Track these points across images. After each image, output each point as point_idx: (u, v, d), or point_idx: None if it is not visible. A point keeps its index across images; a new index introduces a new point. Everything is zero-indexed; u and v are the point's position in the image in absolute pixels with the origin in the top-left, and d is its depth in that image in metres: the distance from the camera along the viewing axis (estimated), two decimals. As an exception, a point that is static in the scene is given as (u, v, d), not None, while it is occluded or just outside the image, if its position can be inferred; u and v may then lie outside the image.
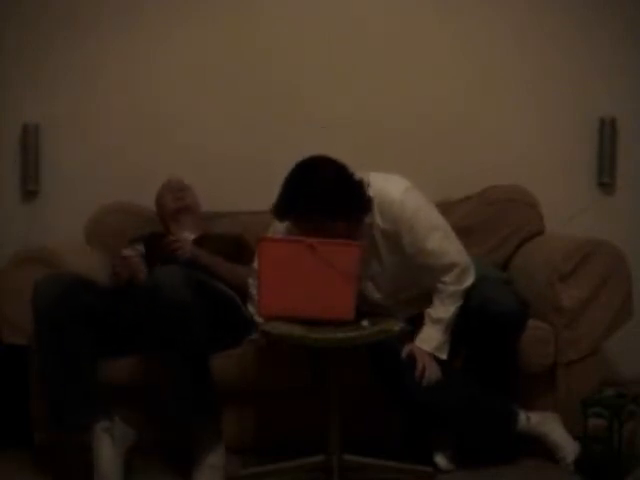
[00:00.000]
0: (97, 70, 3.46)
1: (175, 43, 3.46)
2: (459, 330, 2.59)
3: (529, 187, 3.32)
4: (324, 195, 2.42)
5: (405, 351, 2.54)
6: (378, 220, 2.54)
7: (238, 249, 3.03)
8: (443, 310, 2.57)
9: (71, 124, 3.47)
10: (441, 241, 2.56)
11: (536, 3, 3.51)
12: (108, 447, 2.47)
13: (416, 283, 2.64)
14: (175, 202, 3.13)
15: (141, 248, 3.01)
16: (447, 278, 2.56)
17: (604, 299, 2.82)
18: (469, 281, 2.59)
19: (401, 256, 2.57)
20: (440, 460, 2.59)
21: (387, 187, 2.54)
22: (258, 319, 2.59)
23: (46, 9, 3.44)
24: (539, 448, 2.63)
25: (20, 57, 3.44)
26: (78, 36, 3.44)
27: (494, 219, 3.26)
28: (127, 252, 2.86)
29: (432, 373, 2.52)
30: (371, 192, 2.52)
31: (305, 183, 2.44)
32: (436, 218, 2.59)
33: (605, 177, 3.52)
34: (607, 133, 3.50)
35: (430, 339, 2.56)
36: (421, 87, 3.50)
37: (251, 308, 2.77)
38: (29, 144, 3.43)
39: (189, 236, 3.05)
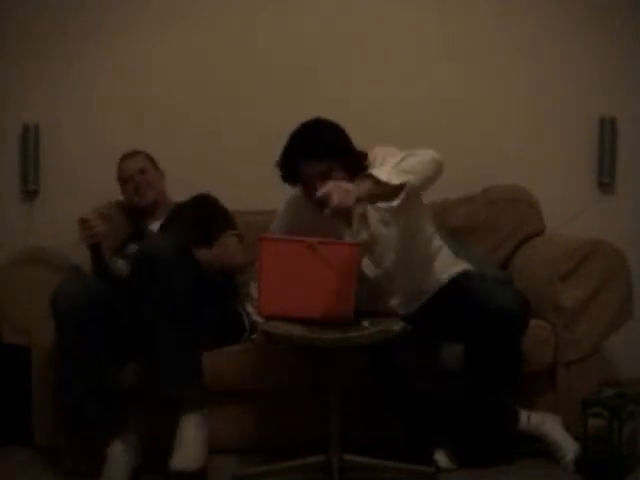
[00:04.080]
0: (97, 70, 3.47)
1: (175, 43, 3.46)
2: (458, 329, 2.59)
3: (529, 187, 3.32)
4: (332, 137, 2.51)
5: (322, 190, 2.31)
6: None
7: (209, 213, 3.01)
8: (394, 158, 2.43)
9: (71, 124, 3.47)
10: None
11: (536, 3, 3.51)
12: (120, 458, 2.49)
13: (411, 241, 2.63)
14: (137, 199, 3.05)
15: (107, 211, 2.93)
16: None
17: (604, 299, 2.82)
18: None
19: (394, 228, 2.58)
20: (440, 458, 2.59)
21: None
22: (258, 319, 2.59)
23: (46, 9, 3.44)
24: (539, 448, 2.63)
25: (20, 57, 3.44)
26: (78, 36, 3.44)
27: (494, 219, 3.26)
28: (87, 216, 2.73)
29: (344, 194, 2.28)
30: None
31: (312, 130, 2.52)
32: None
33: (605, 177, 3.52)
34: (607, 133, 3.50)
35: (374, 170, 2.38)
36: (421, 87, 3.50)
37: (251, 309, 2.77)
38: (29, 144, 3.43)
39: (154, 227, 3.04)
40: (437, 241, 2.74)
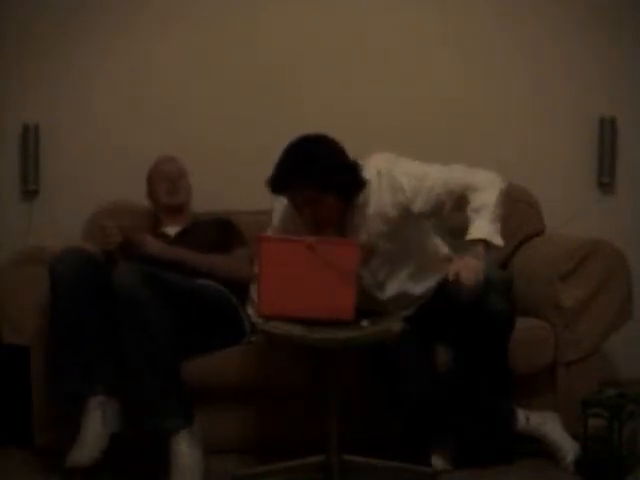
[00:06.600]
0: (97, 70, 3.47)
1: (175, 43, 3.47)
2: (450, 331, 2.58)
3: (529, 187, 3.32)
4: (324, 165, 2.45)
5: (451, 272, 2.40)
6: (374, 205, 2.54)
7: (226, 233, 3.05)
8: (480, 198, 2.49)
9: (71, 124, 3.47)
10: (439, 172, 2.53)
11: (536, 3, 3.51)
12: (97, 421, 2.46)
13: (409, 252, 2.62)
14: (169, 198, 3.10)
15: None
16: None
17: (604, 299, 2.82)
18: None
19: (387, 226, 2.55)
20: (437, 461, 2.58)
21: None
22: (258, 319, 2.59)
23: (46, 9, 3.44)
24: (539, 448, 2.63)
25: (20, 57, 3.44)
26: (78, 36, 3.44)
27: (494, 219, 3.25)
28: (106, 222, 2.80)
29: (472, 271, 2.37)
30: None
31: (304, 154, 2.48)
32: (417, 165, 2.57)
33: (605, 177, 3.52)
34: (607, 133, 3.50)
35: (478, 229, 2.45)
36: (421, 87, 3.50)
37: (251, 311, 2.77)
38: (29, 144, 3.43)
39: (170, 231, 3.07)
40: (432, 243, 2.73)
